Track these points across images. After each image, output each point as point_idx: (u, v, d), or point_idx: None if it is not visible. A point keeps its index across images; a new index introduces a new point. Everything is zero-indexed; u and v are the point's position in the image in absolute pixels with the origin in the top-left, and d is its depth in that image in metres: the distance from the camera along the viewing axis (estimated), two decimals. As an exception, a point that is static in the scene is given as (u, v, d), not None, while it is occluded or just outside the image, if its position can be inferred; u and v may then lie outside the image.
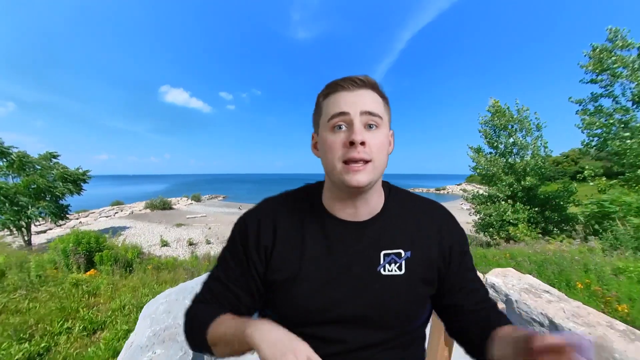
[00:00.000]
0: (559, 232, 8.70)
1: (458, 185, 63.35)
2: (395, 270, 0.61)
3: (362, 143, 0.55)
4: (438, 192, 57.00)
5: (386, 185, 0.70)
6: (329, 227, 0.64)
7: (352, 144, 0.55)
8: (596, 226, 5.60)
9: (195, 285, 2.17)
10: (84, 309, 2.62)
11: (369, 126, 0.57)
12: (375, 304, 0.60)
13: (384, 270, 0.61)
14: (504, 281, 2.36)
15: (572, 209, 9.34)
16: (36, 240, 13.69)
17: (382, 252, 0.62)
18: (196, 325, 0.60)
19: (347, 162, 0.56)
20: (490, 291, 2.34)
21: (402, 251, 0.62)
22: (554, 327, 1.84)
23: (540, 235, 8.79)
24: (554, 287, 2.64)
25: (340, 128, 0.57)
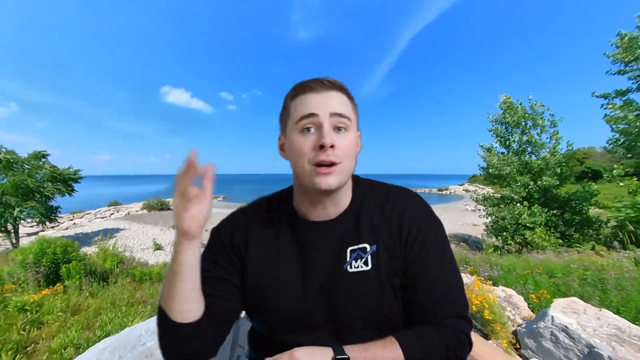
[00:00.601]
0: (581, 237, 8.01)
1: (460, 185, 62.84)
2: (362, 266, 0.60)
3: (332, 146, 0.55)
4: (440, 192, 56.24)
5: (354, 180, 0.68)
6: (301, 229, 0.64)
7: (322, 147, 0.54)
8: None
9: (145, 331, 1.53)
10: (10, 353, 1.98)
11: (338, 129, 0.57)
12: (345, 304, 0.59)
13: (351, 267, 0.60)
14: (577, 321, 1.70)
15: (591, 212, 8.65)
16: (27, 242, 13.10)
17: (349, 249, 0.61)
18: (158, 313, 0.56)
19: (316, 165, 0.55)
20: (562, 336, 1.68)
21: (367, 245, 0.61)
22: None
23: (559, 241, 8.13)
24: (621, 316, 2.00)
25: (309, 130, 0.57)
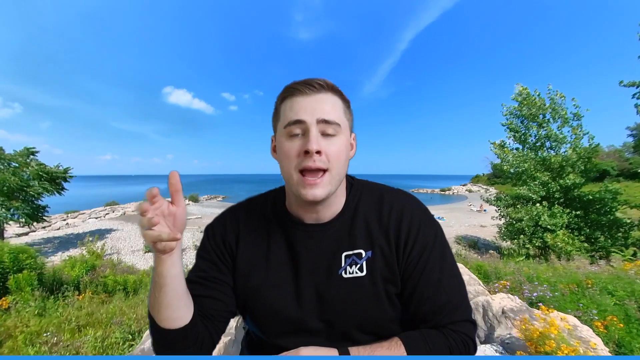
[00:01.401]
0: (609, 240, 7.25)
1: (463, 185, 61.99)
2: (357, 272, 0.59)
3: (318, 152, 0.53)
4: (443, 192, 55.32)
5: (349, 181, 0.66)
6: (292, 231, 0.63)
7: (307, 153, 0.53)
8: None
9: None
10: None
11: (326, 133, 0.55)
12: (339, 310, 0.58)
13: (346, 273, 0.59)
14: None
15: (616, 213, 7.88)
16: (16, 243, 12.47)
17: (343, 254, 0.60)
18: (148, 318, 0.56)
19: (303, 171, 0.55)
20: None
21: (362, 251, 0.60)
22: None
23: (585, 245, 7.38)
24: None
25: (296, 135, 0.56)
